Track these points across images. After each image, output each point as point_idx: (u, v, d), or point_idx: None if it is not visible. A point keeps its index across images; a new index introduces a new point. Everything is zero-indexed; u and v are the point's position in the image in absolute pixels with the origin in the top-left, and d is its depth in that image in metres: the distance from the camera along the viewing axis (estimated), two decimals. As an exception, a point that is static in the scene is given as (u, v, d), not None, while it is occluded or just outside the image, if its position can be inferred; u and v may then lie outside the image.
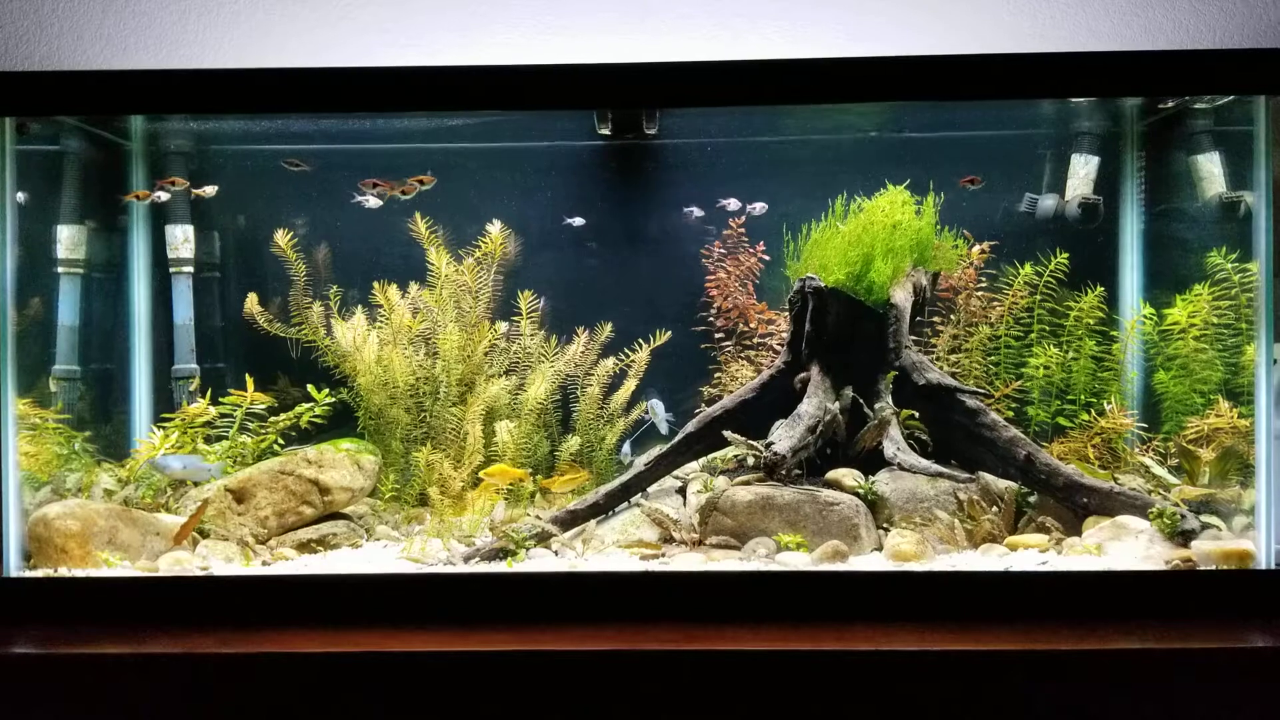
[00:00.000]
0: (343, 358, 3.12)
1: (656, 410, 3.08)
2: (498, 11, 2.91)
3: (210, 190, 3.00)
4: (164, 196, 2.99)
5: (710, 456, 3.02)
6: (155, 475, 2.82)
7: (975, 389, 2.90)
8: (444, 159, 3.13)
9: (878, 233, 2.95)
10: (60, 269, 2.93)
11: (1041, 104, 2.94)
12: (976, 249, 3.14)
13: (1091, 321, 3.06)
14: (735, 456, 3.01)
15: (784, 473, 2.69)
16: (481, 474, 2.88)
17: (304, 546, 2.75)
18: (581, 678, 2.11)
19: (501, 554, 2.57)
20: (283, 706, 2.12)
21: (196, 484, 2.79)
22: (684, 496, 2.92)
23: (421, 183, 2.86)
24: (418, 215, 3.08)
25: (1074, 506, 2.64)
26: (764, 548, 2.57)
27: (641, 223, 3.26)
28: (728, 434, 2.80)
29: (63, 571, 2.46)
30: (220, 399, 3.03)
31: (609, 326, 3.17)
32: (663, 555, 2.59)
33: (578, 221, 3.12)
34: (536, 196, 3.21)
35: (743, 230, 3.22)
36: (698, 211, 3.16)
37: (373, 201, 2.91)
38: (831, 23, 2.90)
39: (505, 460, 2.98)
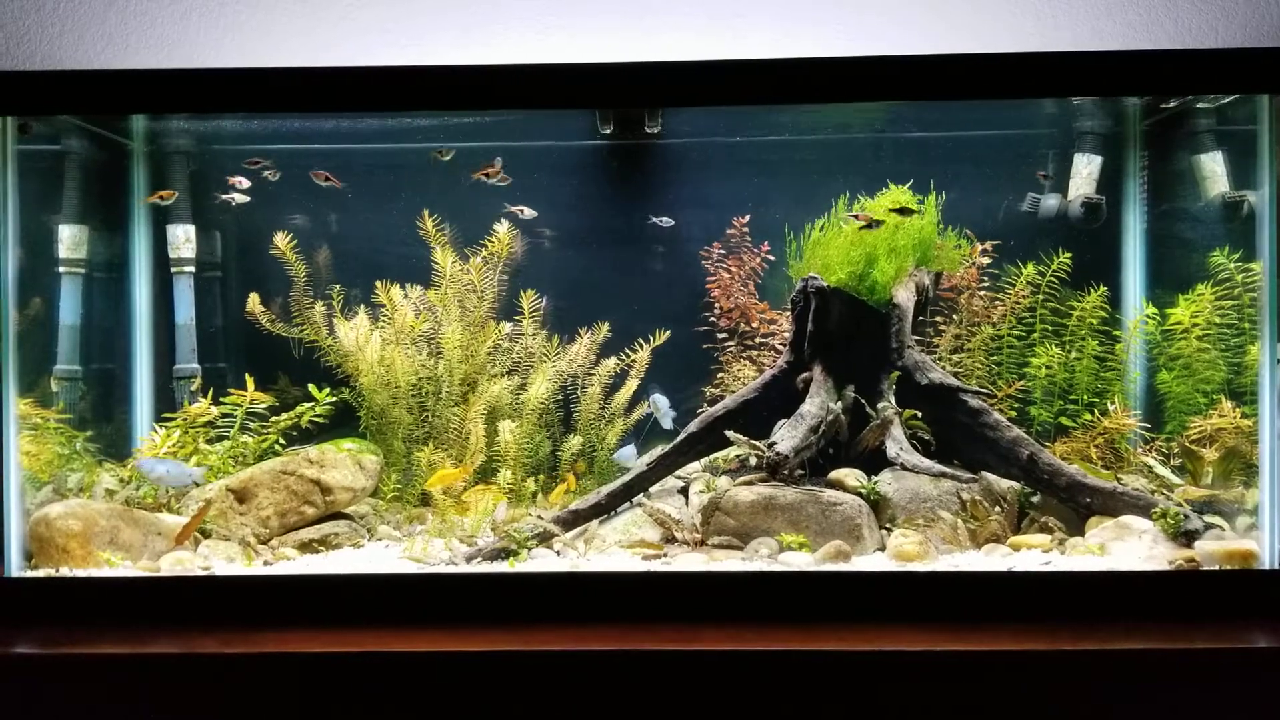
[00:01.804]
0: (345, 357, 3.12)
1: (659, 404, 3.08)
2: (498, 11, 2.91)
3: (273, 175, 2.98)
4: (239, 199, 2.98)
5: (712, 456, 3.01)
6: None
7: (978, 389, 2.90)
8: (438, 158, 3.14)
9: (880, 232, 2.95)
10: (61, 269, 2.93)
11: (1044, 103, 2.94)
12: (979, 248, 3.14)
13: (1094, 321, 3.05)
14: (737, 456, 3.01)
15: (786, 473, 2.69)
16: (425, 486, 2.88)
17: (306, 546, 2.74)
18: (584, 678, 2.11)
19: (503, 554, 2.57)
20: (285, 707, 2.11)
21: (197, 484, 2.79)
22: (686, 496, 2.92)
23: (490, 175, 2.88)
24: (425, 213, 3.09)
25: (1077, 507, 2.64)
26: (766, 548, 2.57)
27: (643, 222, 3.25)
28: (730, 434, 2.80)
29: (64, 571, 2.46)
30: (221, 399, 3.03)
31: (606, 326, 3.17)
32: (665, 555, 2.59)
33: (666, 221, 3.10)
34: (538, 196, 3.20)
35: (746, 231, 3.22)
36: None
37: (528, 213, 2.94)
38: (833, 22, 2.89)
39: (508, 460, 2.98)
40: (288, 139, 3.12)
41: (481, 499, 2.81)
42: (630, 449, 2.93)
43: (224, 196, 2.99)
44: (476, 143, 3.13)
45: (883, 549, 2.60)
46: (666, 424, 3.06)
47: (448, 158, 2.84)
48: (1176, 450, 2.83)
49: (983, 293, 3.18)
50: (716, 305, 3.23)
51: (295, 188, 3.18)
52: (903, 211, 2.88)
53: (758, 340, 3.25)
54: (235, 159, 3.13)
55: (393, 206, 3.17)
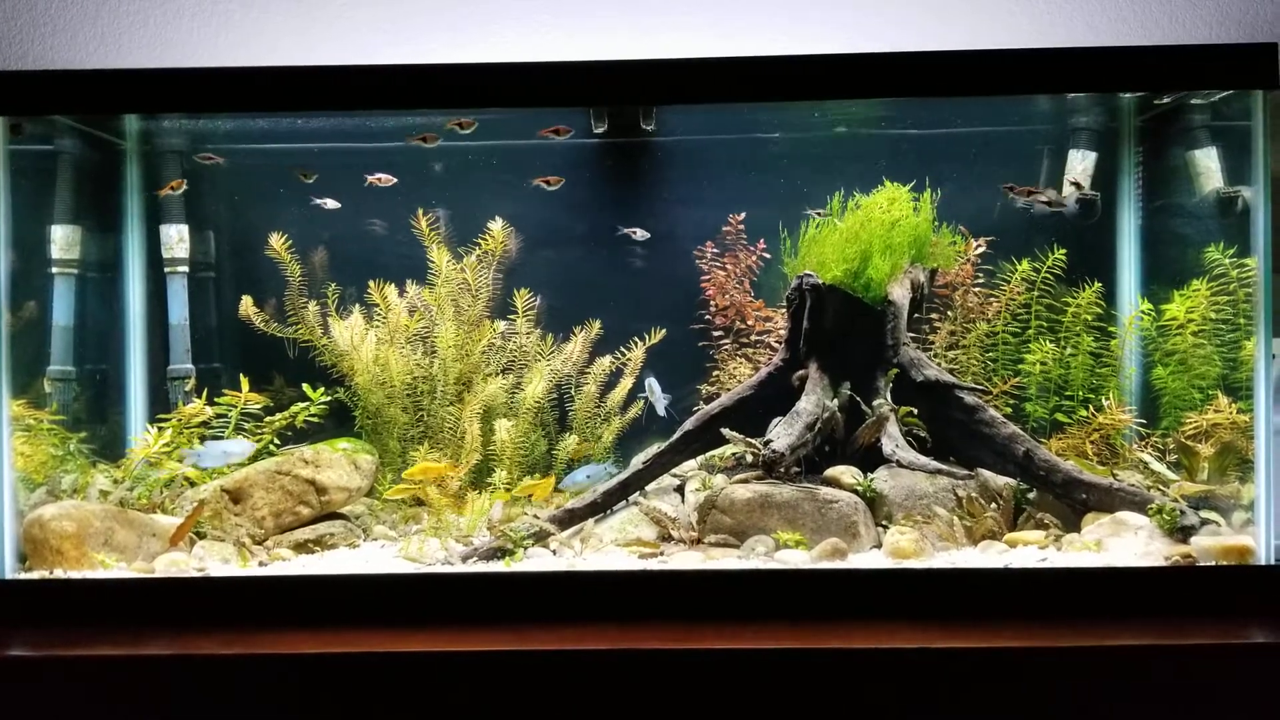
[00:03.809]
0: (340, 357, 3.11)
1: (653, 389, 3.07)
2: (495, 11, 2.90)
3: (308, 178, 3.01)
4: (331, 204, 2.99)
5: (708, 454, 3.01)
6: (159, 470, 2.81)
7: (973, 385, 2.90)
8: (441, 158, 3.13)
9: (875, 229, 2.94)
10: (54, 269, 2.92)
11: (1038, 99, 2.94)
12: (974, 245, 3.13)
13: (1089, 317, 3.05)
14: (733, 454, 3.01)
15: (782, 470, 2.68)
16: (404, 475, 2.86)
17: (301, 547, 2.74)
18: (580, 677, 2.10)
19: (499, 553, 2.57)
20: (281, 708, 2.11)
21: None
22: (682, 495, 2.91)
23: (548, 182, 2.90)
24: (420, 212, 3.08)
25: (1073, 503, 2.63)
26: (763, 546, 2.56)
27: (640, 221, 3.25)
28: (726, 432, 2.79)
29: (58, 573, 2.45)
30: (216, 399, 3.02)
31: (598, 324, 3.17)
32: (661, 554, 2.59)
33: (640, 234, 3.10)
34: (533, 194, 3.20)
35: (741, 229, 3.21)
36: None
37: (640, 234, 3.00)
38: (831, 21, 2.89)
39: (504, 459, 2.97)
40: (283, 138, 3.11)
41: (478, 499, 2.80)
42: (580, 473, 2.91)
43: (317, 201, 3.01)
44: (475, 142, 3.13)
45: (879, 546, 2.60)
46: (661, 410, 3.06)
47: (470, 130, 2.82)
48: (1172, 446, 2.83)
49: (978, 289, 3.18)
50: (712, 303, 3.23)
51: (292, 188, 3.18)
52: None
53: (753, 338, 3.25)
54: (230, 158, 3.12)
55: (391, 206, 3.16)
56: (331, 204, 3.01)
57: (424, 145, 2.87)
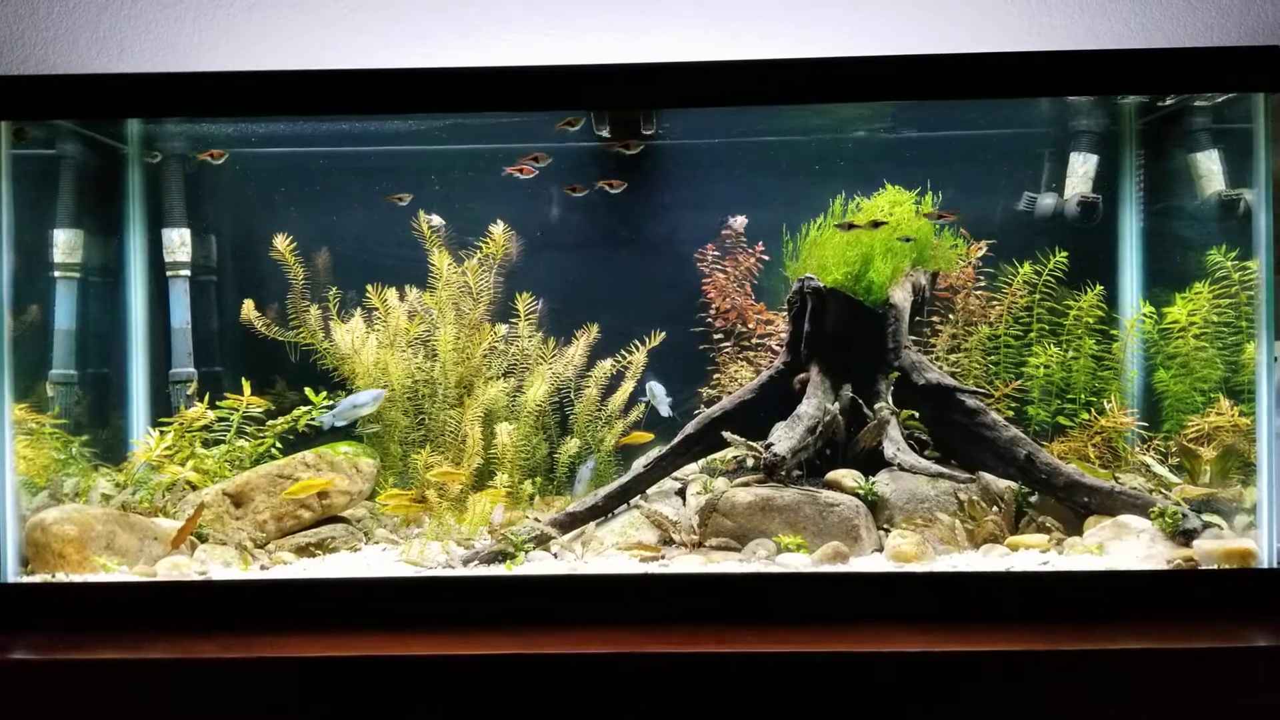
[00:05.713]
0: (341, 360, 3.11)
1: (656, 392, 3.08)
2: (495, 13, 2.90)
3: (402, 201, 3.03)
4: (437, 220, 3.01)
5: (709, 458, 3.01)
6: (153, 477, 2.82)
7: (975, 389, 2.90)
8: (441, 160, 3.13)
9: (877, 232, 2.94)
10: (57, 273, 2.92)
11: (1039, 102, 2.94)
12: (975, 248, 3.13)
13: (1091, 320, 3.05)
14: (735, 458, 3.01)
15: (784, 474, 2.68)
16: (284, 494, 2.84)
17: (302, 550, 2.74)
18: (581, 681, 2.10)
19: (500, 557, 2.57)
20: (282, 711, 2.11)
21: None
22: (683, 498, 2.91)
23: (611, 185, 2.91)
24: (421, 214, 3.08)
25: (1075, 506, 2.63)
26: (764, 549, 2.56)
27: (641, 224, 3.25)
28: (727, 435, 2.79)
29: (60, 577, 2.45)
30: (218, 403, 3.02)
31: (595, 328, 3.16)
32: (662, 557, 2.59)
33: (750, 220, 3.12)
34: (533, 197, 3.20)
35: (741, 231, 3.21)
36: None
37: (740, 221, 3.00)
38: (831, 22, 2.89)
39: (504, 462, 2.97)
40: (283, 141, 3.11)
41: (479, 503, 2.80)
42: (660, 387, 2.92)
43: (427, 218, 3.05)
44: (475, 145, 3.13)
45: (880, 550, 2.60)
46: (664, 411, 3.06)
47: (578, 126, 2.82)
48: (1174, 449, 2.82)
49: (979, 292, 3.18)
50: (712, 306, 3.23)
51: (291, 190, 3.19)
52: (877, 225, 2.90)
53: (754, 341, 3.25)
54: (232, 161, 3.12)
55: (391, 208, 3.17)
56: (437, 220, 3.02)
57: (536, 164, 2.87)
